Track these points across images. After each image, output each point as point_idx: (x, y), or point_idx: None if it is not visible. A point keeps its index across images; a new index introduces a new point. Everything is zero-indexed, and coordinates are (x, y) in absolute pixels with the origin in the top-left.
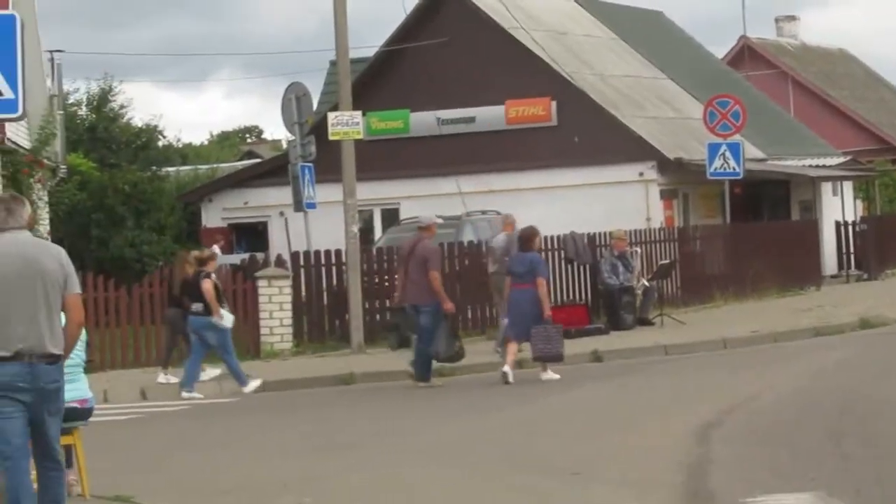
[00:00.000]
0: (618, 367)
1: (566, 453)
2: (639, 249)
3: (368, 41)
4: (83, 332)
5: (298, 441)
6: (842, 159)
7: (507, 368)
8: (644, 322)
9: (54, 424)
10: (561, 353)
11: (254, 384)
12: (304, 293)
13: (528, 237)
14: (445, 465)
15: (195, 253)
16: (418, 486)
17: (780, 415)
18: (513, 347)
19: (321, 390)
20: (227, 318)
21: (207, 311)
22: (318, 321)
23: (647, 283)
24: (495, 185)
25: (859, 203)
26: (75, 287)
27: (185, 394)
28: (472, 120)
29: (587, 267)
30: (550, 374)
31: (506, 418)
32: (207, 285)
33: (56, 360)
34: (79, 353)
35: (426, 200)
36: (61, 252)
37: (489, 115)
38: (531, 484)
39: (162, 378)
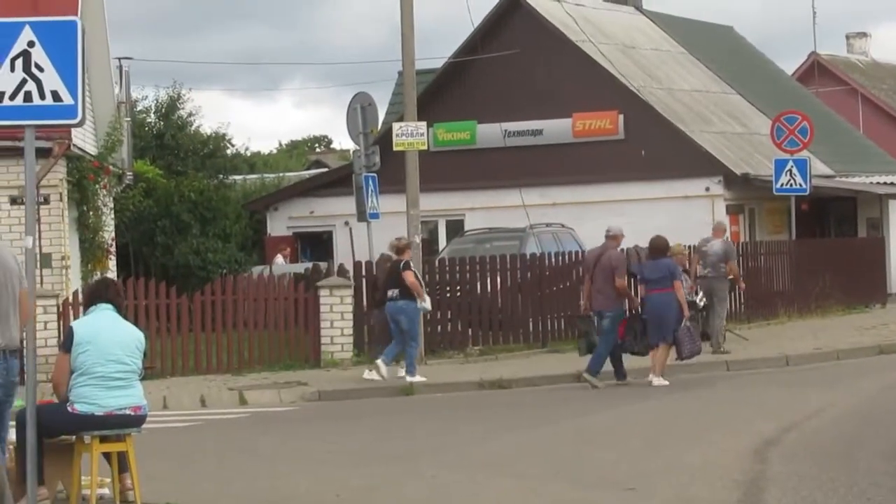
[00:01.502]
0: (679, 381)
1: (622, 468)
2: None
3: (437, 53)
4: (143, 339)
5: (354, 451)
6: None
7: (655, 379)
8: (707, 337)
9: (7, 411)
10: (700, 349)
11: (420, 378)
12: (365, 303)
13: (662, 246)
14: (499, 477)
15: (392, 242)
16: (470, 499)
17: (840, 434)
18: (664, 352)
19: (380, 401)
20: (427, 304)
21: (402, 296)
22: (379, 332)
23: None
24: (560, 197)
25: None
26: (24, 282)
27: (409, 378)
28: (538, 132)
29: None
30: (659, 381)
31: (563, 430)
32: (410, 276)
33: (20, 353)
34: (135, 361)
35: (491, 212)
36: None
37: (556, 128)
38: (584, 498)
39: (367, 375)
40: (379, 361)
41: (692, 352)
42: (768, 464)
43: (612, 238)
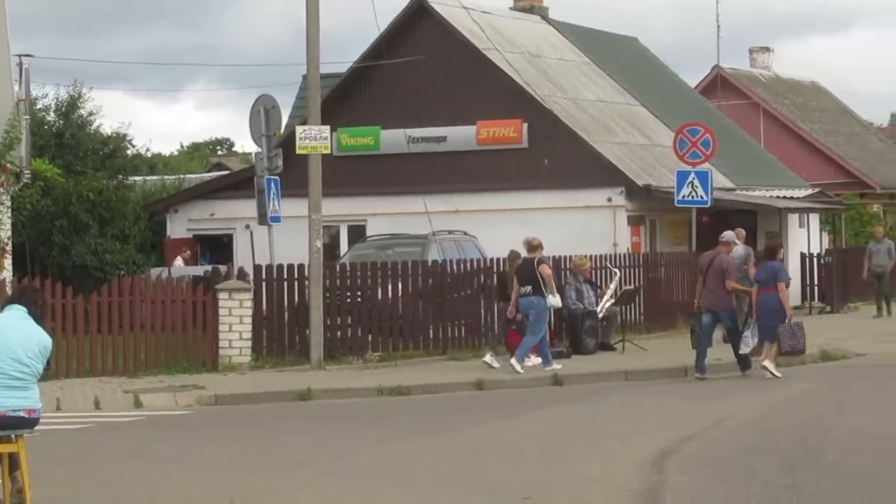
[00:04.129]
0: (578, 391)
1: (518, 476)
2: (617, 272)
3: (343, 57)
4: (49, 345)
5: (249, 456)
6: (810, 191)
7: (768, 363)
8: (606, 347)
9: None
10: (804, 348)
11: (555, 366)
12: (265, 307)
13: (773, 249)
14: (393, 484)
15: (526, 238)
16: None
17: (738, 444)
18: (767, 346)
19: (278, 405)
20: (556, 300)
21: (535, 292)
22: (279, 336)
23: (607, 306)
24: (463, 205)
25: (825, 235)
26: None
27: (547, 368)
28: (442, 139)
29: None
30: (773, 369)
31: (460, 438)
32: (546, 269)
33: None
34: (36, 364)
35: (393, 218)
36: None
37: (460, 135)
38: None
39: (488, 358)
40: (546, 368)
41: (793, 347)
42: (666, 474)
43: (724, 244)
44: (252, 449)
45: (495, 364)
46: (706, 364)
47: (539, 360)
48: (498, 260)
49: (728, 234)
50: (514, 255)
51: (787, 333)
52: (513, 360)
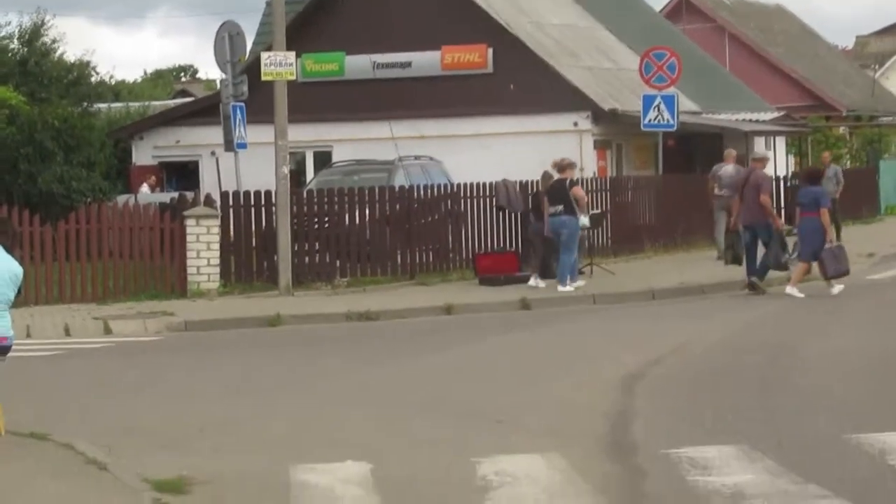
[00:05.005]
0: (546, 315)
1: (489, 400)
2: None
3: None
4: (20, 274)
5: (219, 383)
6: (776, 115)
7: (791, 289)
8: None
9: None
10: (848, 269)
11: (578, 283)
12: (232, 234)
13: (815, 174)
14: (363, 408)
15: (555, 160)
16: (333, 433)
17: (706, 367)
18: (803, 268)
19: (247, 332)
20: (586, 220)
21: (566, 211)
22: (247, 262)
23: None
24: (429, 130)
25: (792, 158)
26: None
27: (563, 287)
28: (407, 65)
29: (518, 215)
30: (837, 287)
31: (429, 364)
32: (580, 191)
33: None
34: (5, 293)
35: (359, 144)
36: None
37: (425, 61)
38: (451, 430)
39: (533, 282)
40: (564, 287)
41: (837, 271)
42: (635, 397)
43: (758, 160)
44: (221, 376)
45: (541, 285)
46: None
47: (572, 284)
48: (469, 185)
49: (760, 151)
50: (547, 175)
51: (830, 257)
52: (559, 286)
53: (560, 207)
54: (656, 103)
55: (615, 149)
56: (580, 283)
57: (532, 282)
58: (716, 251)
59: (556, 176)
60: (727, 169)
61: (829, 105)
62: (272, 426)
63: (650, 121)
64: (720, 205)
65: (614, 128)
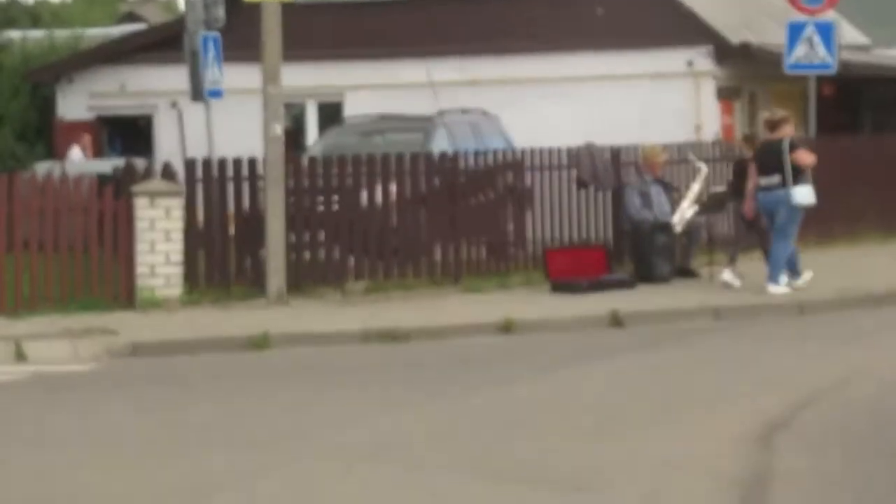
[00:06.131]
0: (646, 335)
1: (565, 458)
2: (704, 167)
3: None
4: None
5: (182, 433)
6: None
7: None
8: (686, 273)
9: None
10: None
11: (807, 276)
12: (201, 218)
13: None
14: (384, 469)
15: (766, 115)
16: (346, 499)
17: (876, 413)
18: None
19: (220, 357)
20: (810, 194)
21: (784, 184)
22: (222, 258)
23: (689, 216)
24: (482, 73)
25: None
26: None
27: (776, 287)
28: None
29: (609, 195)
30: None
31: (479, 405)
32: (806, 156)
33: None
34: None
35: (382, 92)
36: None
37: None
38: (510, 501)
39: (727, 276)
40: (771, 288)
41: None
42: (775, 454)
43: None
44: (186, 422)
45: (736, 283)
46: None
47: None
48: (538, 152)
49: None
50: (751, 136)
51: None
52: (769, 287)
53: (777, 178)
54: (807, 35)
55: (747, 99)
56: (807, 276)
57: (727, 276)
58: None
59: (767, 136)
60: None
61: None
62: (261, 492)
63: (798, 60)
64: None
65: (746, 70)
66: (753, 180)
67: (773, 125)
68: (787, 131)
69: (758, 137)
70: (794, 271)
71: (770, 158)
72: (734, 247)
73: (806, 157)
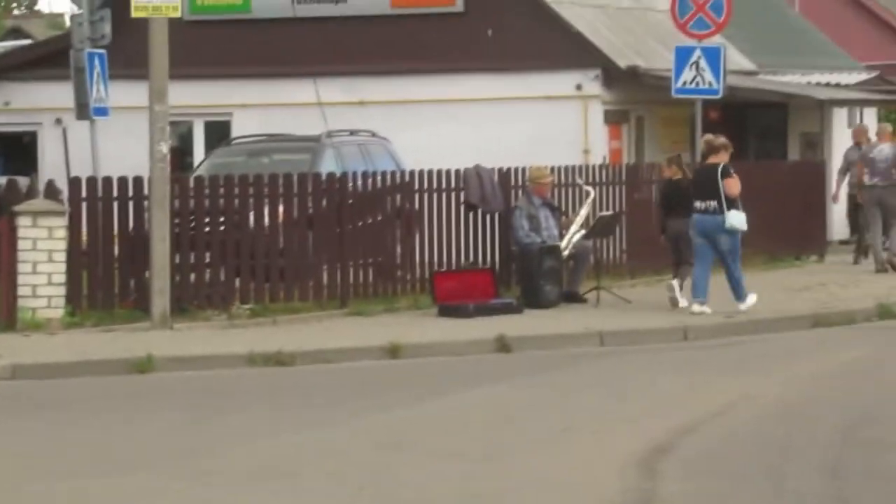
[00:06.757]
0: (533, 360)
1: (449, 483)
2: (592, 190)
3: None
4: None
5: (64, 456)
6: (864, 76)
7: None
8: (573, 297)
9: None
10: None
11: (751, 299)
12: (85, 239)
13: None
14: (269, 493)
15: (707, 138)
16: None
17: (760, 438)
18: None
19: (103, 380)
20: (741, 220)
21: (720, 208)
22: (106, 280)
23: (576, 239)
24: (371, 93)
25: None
26: None
27: (746, 303)
28: None
29: (497, 217)
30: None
31: (365, 430)
32: (731, 183)
33: None
34: None
35: (271, 112)
36: None
37: None
38: None
39: (676, 293)
40: (695, 307)
41: None
42: (660, 480)
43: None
44: (64, 445)
45: (683, 302)
46: None
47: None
48: (427, 174)
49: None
50: (676, 158)
51: None
52: (739, 305)
53: (714, 203)
54: (694, 59)
55: (635, 123)
56: (751, 300)
57: (676, 293)
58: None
59: (707, 161)
60: (883, 150)
61: None
62: None
63: (685, 84)
64: (872, 198)
65: (634, 93)
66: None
67: (710, 150)
68: (723, 158)
69: (682, 160)
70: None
71: (706, 183)
72: (681, 268)
73: (732, 187)
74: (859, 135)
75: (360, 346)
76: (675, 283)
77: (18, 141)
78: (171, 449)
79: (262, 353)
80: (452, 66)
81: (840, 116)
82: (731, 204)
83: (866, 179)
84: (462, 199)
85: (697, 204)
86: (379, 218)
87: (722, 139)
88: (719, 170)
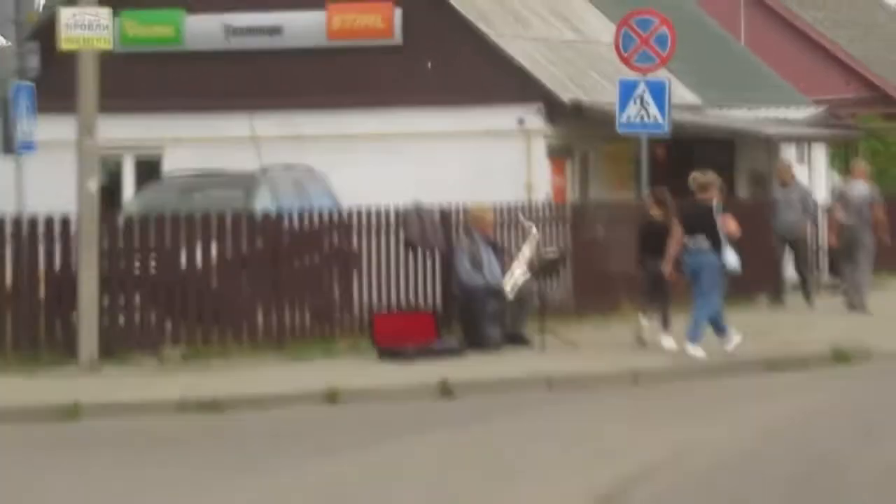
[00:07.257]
0: (476, 406)
1: None
2: (534, 229)
3: None
4: None
5: None
6: (813, 111)
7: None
8: (517, 340)
9: None
10: None
11: (737, 339)
12: (9, 279)
13: None
14: None
15: (696, 175)
16: None
17: (710, 487)
18: None
19: (26, 428)
20: (735, 262)
21: (711, 247)
22: (29, 321)
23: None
24: (307, 128)
25: (835, 175)
26: None
27: (695, 348)
28: (277, 31)
29: (437, 256)
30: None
31: (296, 482)
32: (731, 223)
33: None
34: None
35: (203, 147)
36: None
37: (303, 25)
38: None
39: (666, 342)
40: (690, 349)
41: None
42: None
43: None
44: None
45: (671, 344)
46: None
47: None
48: (365, 212)
49: None
50: (659, 194)
51: None
52: (689, 347)
53: (705, 241)
54: (639, 93)
55: (578, 160)
56: (737, 340)
57: (665, 342)
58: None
59: (697, 196)
60: (858, 188)
61: (891, 98)
62: None
63: (630, 119)
64: (851, 238)
65: (577, 129)
66: (678, 242)
67: (700, 187)
68: (714, 194)
69: (668, 197)
70: (722, 333)
71: (697, 220)
72: (664, 308)
73: (732, 226)
74: (783, 173)
75: (296, 392)
76: (645, 321)
77: None
78: (94, 501)
79: (195, 398)
80: (391, 99)
81: (789, 153)
82: (726, 243)
83: (842, 218)
84: (403, 238)
85: (688, 242)
86: (316, 258)
87: (710, 175)
88: (716, 208)
